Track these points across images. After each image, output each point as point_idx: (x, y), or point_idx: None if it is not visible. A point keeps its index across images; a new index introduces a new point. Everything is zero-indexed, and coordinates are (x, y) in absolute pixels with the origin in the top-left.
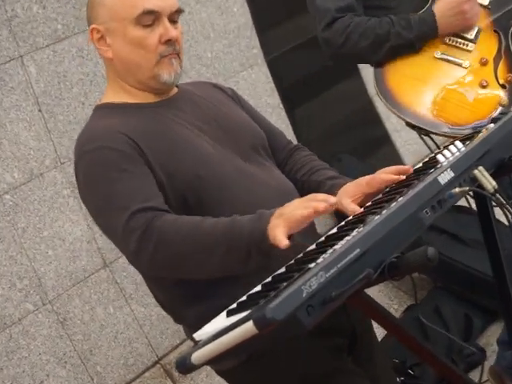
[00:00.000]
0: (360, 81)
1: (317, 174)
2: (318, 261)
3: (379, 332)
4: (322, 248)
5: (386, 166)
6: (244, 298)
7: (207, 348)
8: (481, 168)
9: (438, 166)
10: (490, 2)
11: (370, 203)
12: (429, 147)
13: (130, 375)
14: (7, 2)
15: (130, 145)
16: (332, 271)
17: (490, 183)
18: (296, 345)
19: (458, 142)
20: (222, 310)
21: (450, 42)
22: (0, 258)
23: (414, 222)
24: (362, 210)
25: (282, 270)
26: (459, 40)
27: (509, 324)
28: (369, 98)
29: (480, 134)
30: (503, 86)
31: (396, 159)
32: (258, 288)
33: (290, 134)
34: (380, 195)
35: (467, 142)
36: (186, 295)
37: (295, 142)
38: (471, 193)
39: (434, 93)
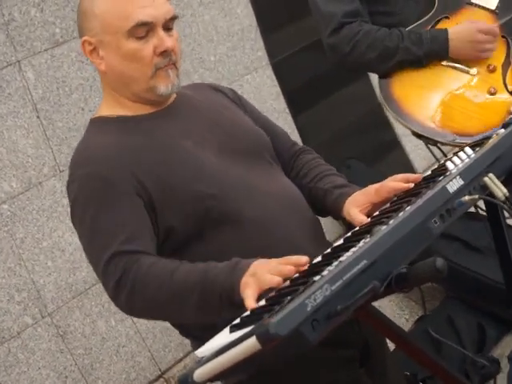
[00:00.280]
0: (368, 84)
1: (323, 181)
2: (324, 273)
3: (391, 343)
4: (327, 260)
5: (396, 171)
6: (248, 312)
7: (210, 365)
8: (491, 175)
9: (447, 173)
10: (497, 7)
11: (377, 213)
12: (435, 156)
13: None
14: (4, 5)
15: (123, 172)
16: (337, 284)
17: (500, 191)
18: (305, 357)
19: (467, 149)
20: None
21: None
22: None
23: (423, 232)
24: (369, 220)
25: (287, 283)
26: None
27: None
28: (377, 101)
29: (490, 140)
30: None
31: (406, 164)
32: (263, 302)
33: (296, 139)
34: (388, 204)
35: (477, 149)
36: None
37: None
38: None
39: (440, 101)
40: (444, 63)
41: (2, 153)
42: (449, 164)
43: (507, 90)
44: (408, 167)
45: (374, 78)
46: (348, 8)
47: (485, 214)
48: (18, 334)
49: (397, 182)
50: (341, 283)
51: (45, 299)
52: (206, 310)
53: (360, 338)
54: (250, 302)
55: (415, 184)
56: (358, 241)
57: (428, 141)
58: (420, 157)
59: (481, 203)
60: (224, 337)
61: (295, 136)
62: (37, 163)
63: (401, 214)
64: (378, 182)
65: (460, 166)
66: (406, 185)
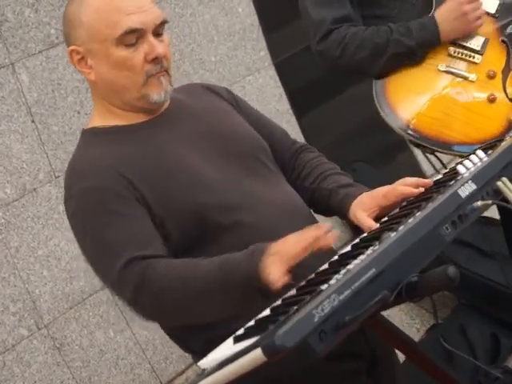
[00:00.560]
0: None
1: (327, 181)
2: (331, 282)
3: (401, 354)
4: (334, 268)
5: (404, 174)
6: (252, 322)
7: (213, 377)
8: (504, 179)
9: (459, 177)
10: (497, 10)
11: (386, 218)
12: (433, 166)
13: None
14: None
15: (120, 181)
16: (345, 293)
17: None
18: (311, 369)
19: (479, 152)
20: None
21: (456, 54)
22: None
23: (434, 239)
24: (377, 225)
25: (293, 291)
26: (465, 52)
27: None
28: None
29: (503, 143)
30: None
31: (415, 167)
32: (267, 312)
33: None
34: (397, 209)
35: (489, 151)
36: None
37: None
38: None
39: (438, 109)
40: (442, 68)
41: None
42: (460, 167)
43: (507, 97)
44: (416, 169)
45: None
46: (337, 14)
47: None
48: (13, 347)
49: (406, 187)
50: (349, 293)
51: (41, 310)
52: (229, 303)
53: (367, 348)
54: (275, 280)
55: (426, 188)
56: (367, 248)
57: (425, 149)
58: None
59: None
60: (227, 348)
61: (299, 138)
62: (32, 169)
63: (411, 220)
64: (386, 185)
65: (472, 169)
66: (416, 190)
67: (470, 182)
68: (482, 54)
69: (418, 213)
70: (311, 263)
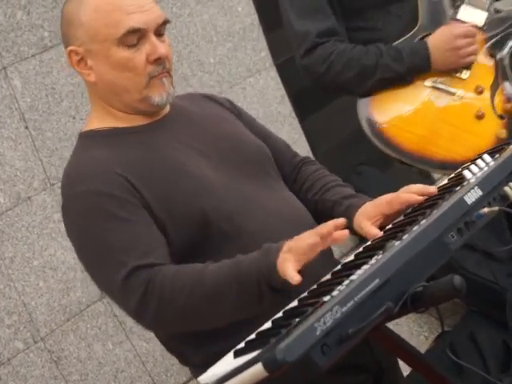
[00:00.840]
0: None
1: (330, 192)
2: (334, 293)
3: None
4: (337, 278)
5: (410, 177)
6: (253, 336)
7: None
8: None
9: (465, 183)
10: (485, 24)
11: (390, 226)
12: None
13: None
14: None
15: (122, 185)
16: (348, 305)
17: None
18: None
19: (486, 156)
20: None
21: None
22: None
23: (439, 248)
24: (381, 234)
25: (294, 303)
26: None
27: None
28: None
29: (510, 147)
30: (501, 117)
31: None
32: (269, 324)
33: (303, 145)
34: (401, 217)
35: (496, 156)
36: (196, 336)
37: (310, 153)
38: None
39: (424, 126)
40: (427, 84)
41: None
42: (466, 173)
43: (495, 114)
44: (422, 173)
45: None
46: (322, 27)
47: None
48: (9, 360)
49: (411, 195)
50: (352, 304)
51: (37, 322)
52: (245, 303)
53: (373, 360)
54: (293, 275)
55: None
56: (370, 257)
57: (412, 168)
58: None
59: None
60: (228, 362)
61: (302, 142)
62: (26, 176)
63: (415, 227)
64: (391, 188)
65: (478, 175)
66: (421, 198)
67: (476, 187)
68: (469, 69)
69: (423, 220)
70: (315, 271)
